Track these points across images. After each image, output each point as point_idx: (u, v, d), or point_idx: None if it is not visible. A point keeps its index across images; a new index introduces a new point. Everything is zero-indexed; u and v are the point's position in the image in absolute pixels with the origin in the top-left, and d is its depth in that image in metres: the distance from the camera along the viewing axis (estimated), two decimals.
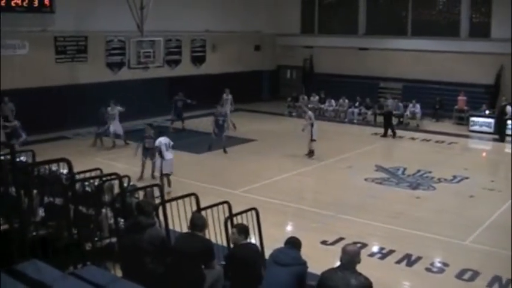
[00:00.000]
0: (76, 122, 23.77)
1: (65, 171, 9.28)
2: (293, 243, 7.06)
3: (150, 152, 16.75)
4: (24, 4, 21.98)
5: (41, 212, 8.85)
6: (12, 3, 21.64)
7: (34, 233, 8.12)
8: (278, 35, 33.84)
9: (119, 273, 7.64)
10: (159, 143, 15.72)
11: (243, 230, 7.46)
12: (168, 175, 15.72)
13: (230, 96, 24.89)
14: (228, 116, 23.61)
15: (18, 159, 9.39)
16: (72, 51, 24.63)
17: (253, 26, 32.21)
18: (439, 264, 11.38)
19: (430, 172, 18.21)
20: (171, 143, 15.96)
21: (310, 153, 19.79)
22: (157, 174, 16.28)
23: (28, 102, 21.91)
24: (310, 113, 20.41)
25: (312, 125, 19.69)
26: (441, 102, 27.96)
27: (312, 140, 19.75)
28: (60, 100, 23.50)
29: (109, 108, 21.35)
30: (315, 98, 29.75)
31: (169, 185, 15.51)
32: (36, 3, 22.35)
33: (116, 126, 21.34)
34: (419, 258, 11.52)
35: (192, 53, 30.18)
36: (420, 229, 13.21)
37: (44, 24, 23.01)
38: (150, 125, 18.68)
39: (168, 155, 15.72)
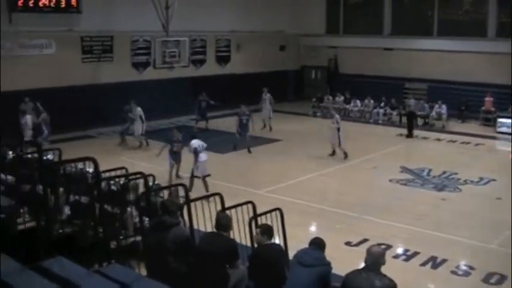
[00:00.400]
0: (101, 121, 23.98)
1: (91, 169, 9.35)
2: (317, 244, 7.02)
3: (178, 155, 16.77)
4: (52, 4, 22.31)
5: (66, 210, 8.92)
6: (40, 4, 22.00)
7: (60, 231, 8.20)
8: (303, 35, 33.78)
9: (144, 271, 7.67)
10: (194, 145, 15.46)
11: (267, 231, 7.44)
12: (204, 177, 15.36)
13: (268, 95, 24.93)
14: (269, 115, 24.53)
15: (45, 158, 9.48)
16: (98, 51, 24.86)
17: (278, 26, 32.19)
18: (464, 268, 11.24)
19: (455, 174, 18.04)
20: (204, 145, 15.68)
21: (344, 154, 19.68)
22: (185, 175, 16.21)
23: (54, 101, 22.12)
24: (337, 116, 20.18)
25: (338, 130, 19.56)
26: (467, 103, 27.69)
27: (340, 145, 19.69)
28: (85, 99, 23.72)
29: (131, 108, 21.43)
30: (340, 98, 29.68)
31: (206, 189, 14.96)
32: (63, 4, 22.69)
33: (136, 127, 21.34)
34: (444, 261, 11.40)
35: (216, 52, 30.27)
36: (445, 231, 13.08)
37: (71, 24, 23.30)
38: (178, 128, 18.70)
39: (202, 156, 15.47)
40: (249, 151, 20.52)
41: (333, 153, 20.01)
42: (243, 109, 21.17)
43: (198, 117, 24.79)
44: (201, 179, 15.32)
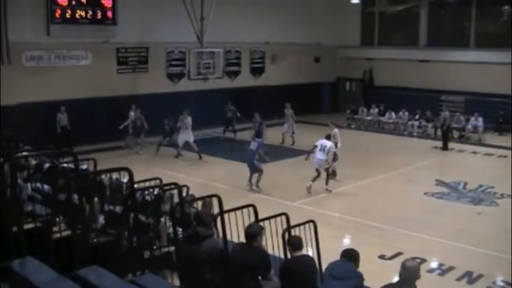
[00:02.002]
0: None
1: (125, 179, 9.42)
2: (348, 256, 6.90)
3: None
4: (88, 16, 22.68)
5: (101, 220, 9.00)
6: (77, 15, 22.35)
7: (95, 240, 8.27)
8: (338, 47, 33.65)
9: (176, 282, 7.69)
10: (318, 143, 17.59)
11: (290, 242, 7.52)
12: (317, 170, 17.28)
13: (291, 111, 24.77)
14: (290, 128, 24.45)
15: (80, 167, 9.58)
16: (133, 62, 25.15)
17: (313, 37, 32.16)
18: (501, 283, 11.04)
19: (492, 187, 17.76)
20: (327, 147, 17.29)
21: (333, 173, 18.23)
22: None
23: (90, 111, 22.50)
24: (336, 130, 19.44)
25: (336, 145, 18.48)
26: (505, 116, 27.27)
27: (334, 160, 18.35)
28: (121, 110, 23.96)
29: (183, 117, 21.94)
30: (375, 110, 29.52)
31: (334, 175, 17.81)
32: (99, 16, 23.02)
33: (181, 137, 21.92)
34: (480, 276, 11.20)
35: (251, 64, 30.37)
36: (481, 246, 12.85)
37: (107, 35, 23.60)
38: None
39: (318, 155, 17.30)
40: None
41: (318, 176, 17.76)
42: (255, 117, 22.69)
43: (225, 128, 24.94)
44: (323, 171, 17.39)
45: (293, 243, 7.42)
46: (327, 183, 17.37)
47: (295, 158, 21.66)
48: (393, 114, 28.78)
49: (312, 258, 7.75)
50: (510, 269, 11.11)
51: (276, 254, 8.41)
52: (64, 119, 22.08)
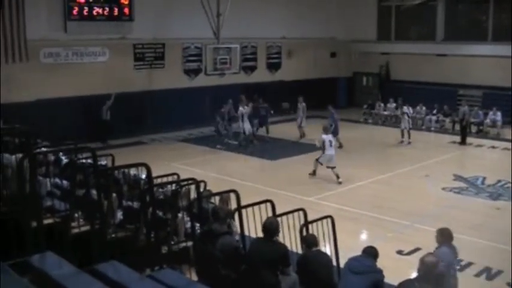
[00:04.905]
0: (153, 128, 24.29)
1: (143, 175, 9.46)
2: (369, 253, 6.97)
3: None
4: (105, 13, 22.81)
5: (119, 215, 9.04)
6: (94, 12, 22.50)
7: (113, 235, 8.31)
8: (354, 42, 33.49)
9: (194, 277, 7.72)
10: (324, 139, 17.81)
11: (304, 240, 7.65)
12: (329, 167, 17.76)
13: (304, 104, 24.66)
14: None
15: (99, 163, 9.63)
16: (150, 58, 25.24)
17: (329, 32, 32.10)
18: None
19: (511, 182, 17.59)
20: (333, 142, 18.13)
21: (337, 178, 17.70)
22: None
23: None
24: (323, 136, 18.06)
25: (323, 149, 17.99)
26: None
27: (318, 163, 18.07)
28: (138, 106, 24.08)
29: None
30: (392, 105, 29.34)
31: (337, 176, 17.64)
32: (116, 12, 23.14)
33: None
34: (500, 272, 11.11)
35: (267, 59, 30.35)
36: (501, 242, 12.71)
37: (124, 32, 23.73)
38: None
39: (330, 150, 17.77)
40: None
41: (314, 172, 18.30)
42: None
43: (258, 126, 24.66)
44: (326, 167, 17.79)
45: (307, 241, 7.45)
46: (338, 176, 17.64)
47: (310, 153, 21.59)
48: (410, 109, 28.56)
49: (326, 254, 7.78)
50: None
51: (294, 249, 8.41)
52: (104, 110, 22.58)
